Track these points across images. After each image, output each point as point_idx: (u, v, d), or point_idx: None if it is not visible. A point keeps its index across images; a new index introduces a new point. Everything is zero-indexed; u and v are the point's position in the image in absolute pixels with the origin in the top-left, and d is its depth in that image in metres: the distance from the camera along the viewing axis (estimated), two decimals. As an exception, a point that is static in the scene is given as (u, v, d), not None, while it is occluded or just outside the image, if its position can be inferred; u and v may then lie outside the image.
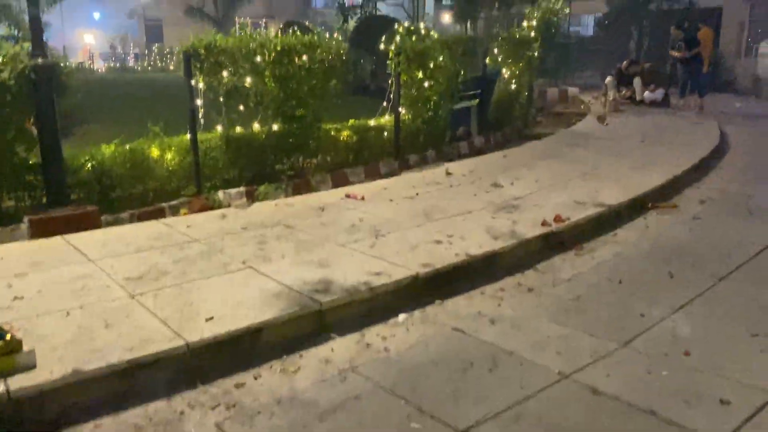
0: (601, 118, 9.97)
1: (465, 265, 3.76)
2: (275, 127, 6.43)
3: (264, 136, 6.35)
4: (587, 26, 27.34)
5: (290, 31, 7.10)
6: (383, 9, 14.56)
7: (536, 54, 11.29)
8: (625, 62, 12.91)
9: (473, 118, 9.39)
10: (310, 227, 4.50)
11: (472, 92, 9.16)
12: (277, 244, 4.11)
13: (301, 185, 6.20)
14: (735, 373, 2.68)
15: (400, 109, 7.81)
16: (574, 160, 7.00)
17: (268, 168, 6.34)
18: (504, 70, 10.34)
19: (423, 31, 9.30)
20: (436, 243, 4.08)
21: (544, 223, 4.47)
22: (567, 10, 13.60)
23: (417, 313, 3.37)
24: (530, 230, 4.35)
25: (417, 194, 5.49)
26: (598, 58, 23.13)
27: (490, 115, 9.98)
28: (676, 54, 12.64)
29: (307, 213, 4.92)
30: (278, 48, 6.22)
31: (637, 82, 12.57)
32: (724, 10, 21.32)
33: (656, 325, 3.17)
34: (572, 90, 15.50)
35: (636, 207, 5.28)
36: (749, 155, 7.83)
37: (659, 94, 12.37)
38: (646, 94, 12.42)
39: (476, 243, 4.06)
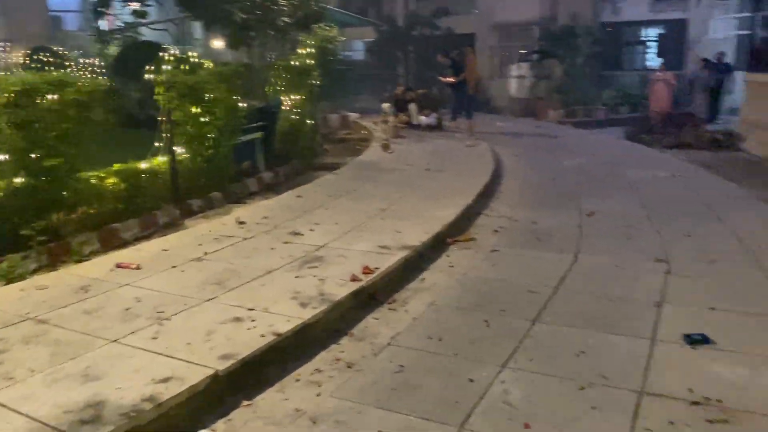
0: (385, 146, 10.05)
1: (274, 347, 3.21)
2: (18, 181, 5.28)
3: (1, 193, 5.16)
4: (358, 51, 28.30)
5: (38, 58, 5.94)
6: (147, 34, 13.34)
7: (316, 82, 11.12)
8: (400, 89, 13.35)
9: (258, 151, 8.84)
10: (70, 318, 3.58)
11: (254, 124, 8.62)
12: (24, 351, 3.16)
13: (58, 251, 5.12)
14: (579, 446, 2.51)
15: (175, 148, 7.00)
16: (369, 195, 6.80)
17: (11, 234, 5.14)
18: (285, 99, 9.95)
19: (194, 60, 8.54)
20: (235, 321, 3.47)
21: (353, 278, 4.09)
22: (341, 38, 13.67)
23: (221, 425, 2.73)
24: (340, 288, 3.93)
25: (205, 254, 4.79)
26: (371, 83, 24.04)
27: (277, 147, 9.52)
28: (444, 80, 13.39)
29: (66, 296, 3.95)
30: (16, 88, 5.10)
31: (412, 107, 13.05)
32: (477, 36, 23.47)
33: (488, 391, 2.93)
34: (353, 115, 15.69)
35: (438, 244, 5.18)
36: (522, 177, 8.35)
37: (433, 118, 12.96)
38: (422, 118, 12.94)
39: (283, 315, 3.52)
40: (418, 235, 5.08)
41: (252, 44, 11.51)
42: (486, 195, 7.04)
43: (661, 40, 20.72)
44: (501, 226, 5.83)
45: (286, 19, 11.13)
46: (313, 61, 11.52)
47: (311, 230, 5.37)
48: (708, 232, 5.51)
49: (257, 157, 8.85)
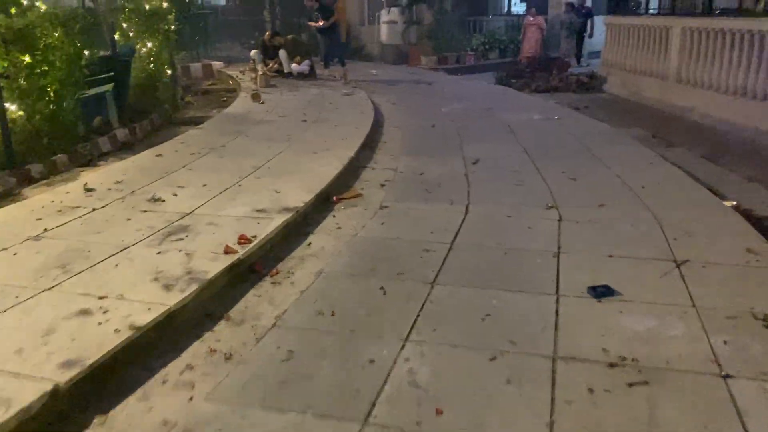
0: (256, 96, 9.30)
1: (132, 344, 2.64)
2: None
3: None
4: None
5: None
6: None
7: (172, 27, 10.02)
8: (267, 34, 12.46)
9: (111, 106, 7.79)
10: None
11: (104, 75, 7.56)
12: None
13: None
14: (501, 430, 2.22)
15: (7, 105, 5.93)
16: (241, 152, 6.15)
17: None
18: (139, 47, 8.87)
19: (24, 1, 7.28)
20: (82, 315, 2.83)
21: (227, 250, 3.55)
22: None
23: (66, 454, 2.17)
24: (212, 264, 3.38)
25: (45, 231, 4.00)
26: (235, 30, 22.60)
27: (132, 100, 8.49)
28: (314, 24, 12.68)
29: None
30: None
31: (282, 54, 12.25)
32: (345, -20, 22.61)
33: (391, 373, 2.57)
34: (217, 64, 14.55)
35: (322, 203, 4.72)
36: (402, 125, 8.01)
37: (306, 65, 12.27)
38: (293, 66, 12.20)
39: (143, 302, 2.93)
40: (300, 195, 4.58)
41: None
42: (368, 146, 6.64)
43: (523, -16, 21.07)
44: (387, 179, 5.46)
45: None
46: (167, 4, 10.38)
47: (175, 195, 4.69)
48: (592, 174, 5.48)
49: (109, 112, 7.81)
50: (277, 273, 3.58)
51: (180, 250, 3.58)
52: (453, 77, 14.44)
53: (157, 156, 6.01)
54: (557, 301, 3.16)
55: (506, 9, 21.95)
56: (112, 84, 7.79)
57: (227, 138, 6.70)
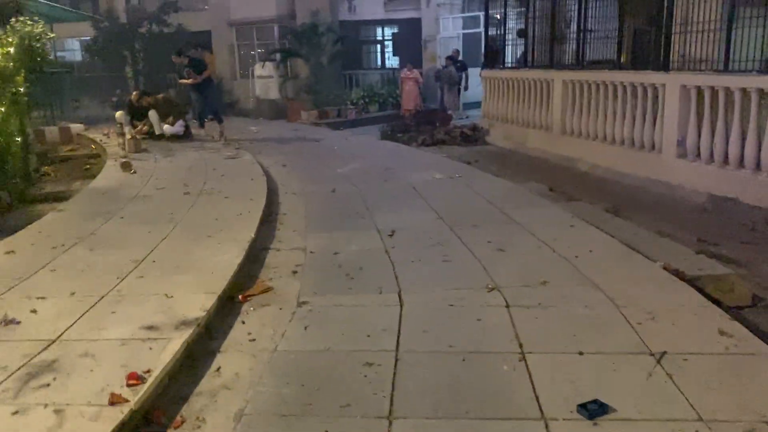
0: (126, 165, 8.22)
1: None
2: None
3: None
4: (74, 51, 24.59)
5: None
6: None
7: (22, 89, 8.75)
8: (134, 94, 11.37)
9: None
10: None
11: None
12: None
13: None
14: None
15: None
16: (116, 241, 5.14)
17: None
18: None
19: None
20: None
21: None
22: (51, 35, 11.18)
23: None
24: (92, 425, 2.47)
25: None
26: (94, 87, 20.98)
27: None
28: (186, 81, 11.76)
29: None
30: None
31: (152, 115, 11.19)
32: (213, 34, 21.84)
33: None
34: (76, 127, 13.15)
35: (227, 306, 3.89)
36: (299, 191, 7.32)
37: (179, 126, 11.28)
38: (166, 127, 11.17)
39: None
40: (198, 299, 3.73)
41: None
42: (268, 221, 5.87)
43: (396, 38, 21.38)
44: (298, 263, 4.72)
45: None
46: (13, 64, 9.09)
47: (34, 312, 3.65)
48: (518, 242, 5.08)
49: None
50: (182, 423, 2.71)
51: (46, 406, 2.61)
52: (338, 133, 14.03)
53: (6, 253, 4.85)
54: (546, 427, 2.58)
55: (380, 63, 22.13)
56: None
57: (97, 222, 5.64)
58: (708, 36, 7.58)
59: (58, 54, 25.96)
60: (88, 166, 9.82)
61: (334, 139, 12.56)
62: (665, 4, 7.90)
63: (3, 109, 7.98)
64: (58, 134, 12.71)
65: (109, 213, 5.95)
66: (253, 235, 5.03)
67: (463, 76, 16.85)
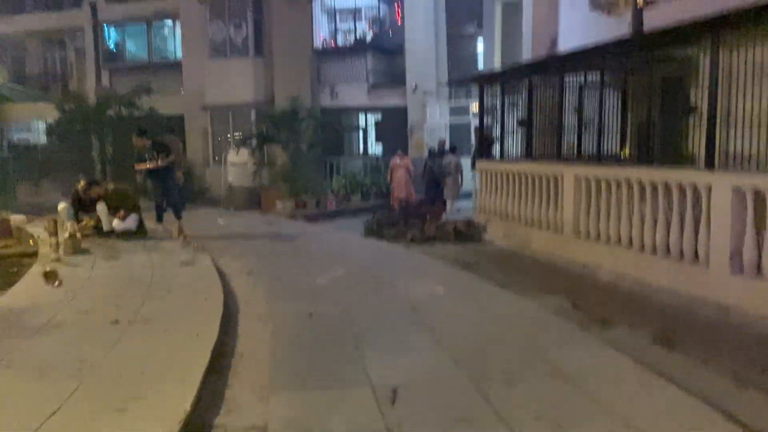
0: (50, 275, 6.54)
1: None
2: None
3: None
4: (38, 132, 23.21)
5: None
6: None
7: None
8: (82, 183, 9.80)
9: None
10: None
11: None
12: None
13: None
14: None
15: None
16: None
17: None
18: None
19: None
20: None
21: None
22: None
23: None
24: None
25: None
26: (59, 171, 19.55)
27: None
28: (146, 166, 10.27)
29: None
30: None
31: (101, 208, 9.60)
32: (186, 117, 20.71)
33: None
34: (17, 218, 11.48)
35: None
36: (265, 315, 5.68)
37: (132, 221, 9.68)
38: (116, 222, 9.57)
39: None
40: None
41: None
42: (217, 370, 4.20)
43: (379, 126, 20.42)
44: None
45: None
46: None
47: None
48: (581, 418, 3.49)
49: None
50: None
51: None
52: (317, 227, 12.55)
53: None
54: None
55: (362, 149, 21.07)
56: None
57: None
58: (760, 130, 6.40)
59: (20, 135, 24.63)
60: (15, 270, 8.12)
61: (312, 235, 11.06)
62: (710, 91, 6.72)
63: None
64: (-6, 226, 11.01)
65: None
66: (188, 408, 3.35)
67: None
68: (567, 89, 9.82)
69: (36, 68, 24.89)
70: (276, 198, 15.74)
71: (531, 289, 7.15)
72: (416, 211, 13.46)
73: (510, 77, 11.57)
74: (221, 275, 7.27)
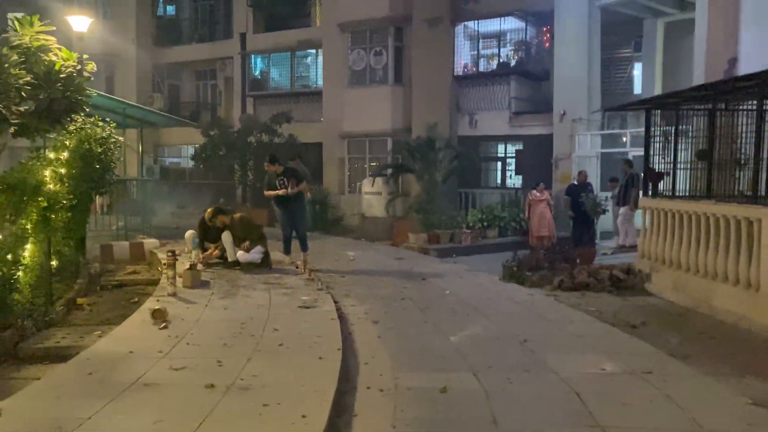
0: (158, 314, 5.97)
1: None
2: None
3: None
4: (187, 158, 24.35)
5: None
6: None
7: (64, 202, 7.00)
8: (208, 212, 9.44)
9: None
10: None
11: None
12: None
13: None
14: None
15: None
16: None
17: None
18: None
19: None
20: None
21: None
22: (119, 138, 9.72)
23: None
24: None
25: None
26: (202, 195, 20.22)
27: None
28: (274, 193, 9.78)
29: None
30: None
31: (226, 237, 9.16)
32: (324, 145, 20.61)
33: None
34: (150, 243, 11.45)
35: None
36: (388, 391, 4.60)
37: (257, 253, 9.13)
38: (240, 254, 9.07)
39: None
40: None
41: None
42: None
43: (520, 156, 18.98)
44: None
45: (17, 107, 7.00)
46: (65, 170, 7.46)
47: None
48: None
49: None
50: None
51: None
52: (450, 265, 11.38)
53: None
54: None
55: (500, 182, 19.73)
56: None
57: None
58: None
59: (172, 159, 26.01)
60: (136, 300, 7.78)
61: (445, 276, 9.93)
62: None
63: (21, 228, 6.12)
64: (128, 251, 11.04)
65: (60, 430, 3.52)
66: None
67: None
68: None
69: (189, 96, 26.33)
70: (408, 230, 14.84)
71: (722, 365, 5.55)
72: (563, 252, 11.91)
73: (684, 102, 9.84)
74: (343, 322, 6.38)
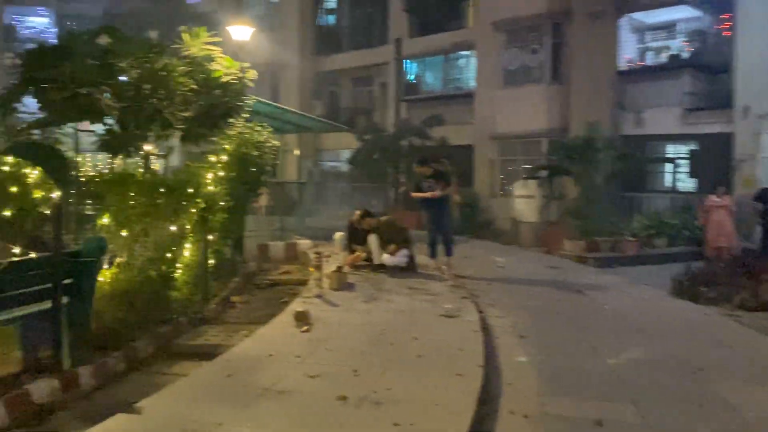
0: (301, 317, 5.98)
1: None
2: None
3: None
4: (344, 162, 25.13)
5: None
6: None
7: (216, 203, 7.32)
8: (356, 214, 9.47)
9: (62, 326, 4.81)
10: None
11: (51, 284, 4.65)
12: None
13: None
14: None
15: None
16: None
17: None
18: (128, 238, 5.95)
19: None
20: None
21: None
22: (275, 143, 10.05)
23: None
24: None
25: None
26: (356, 198, 20.74)
27: (110, 315, 5.51)
28: (424, 195, 9.62)
29: None
30: None
31: (372, 240, 9.11)
32: (475, 148, 20.20)
33: None
34: (304, 244, 11.79)
35: None
36: (534, 418, 4.13)
37: (403, 257, 8.98)
38: (385, 257, 8.97)
39: None
40: None
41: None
42: None
43: (694, 157, 17.13)
44: None
45: (181, 112, 7.46)
46: (220, 173, 7.82)
47: None
48: None
49: (62, 338, 4.82)
50: None
51: None
52: (610, 277, 10.45)
53: None
54: None
55: (670, 184, 17.99)
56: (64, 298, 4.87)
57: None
58: None
59: (332, 163, 26.97)
60: (286, 300, 7.94)
61: (604, 289, 9.10)
62: None
63: (179, 228, 6.46)
64: (284, 251, 11.45)
65: (200, 424, 3.52)
66: None
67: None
68: None
69: (347, 102, 27.18)
70: (564, 237, 13.95)
71: None
72: (746, 265, 10.47)
73: None
74: (487, 334, 5.98)
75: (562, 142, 16.29)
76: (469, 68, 22.16)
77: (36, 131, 8.57)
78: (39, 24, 31.05)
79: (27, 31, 30.35)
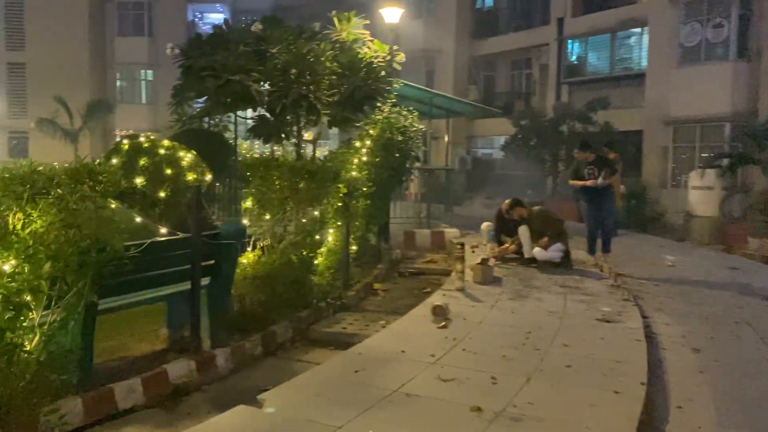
0: (438, 311, 5.59)
1: None
2: None
3: None
4: (499, 148, 24.34)
5: None
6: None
7: (358, 189, 7.17)
8: (506, 202, 8.87)
9: (201, 307, 4.89)
10: None
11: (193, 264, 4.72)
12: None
13: None
14: None
15: None
16: None
17: None
18: (269, 220, 5.91)
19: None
20: None
21: None
22: (420, 127, 9.71)
23: None
24: None
25: None
26: (509, 186, 19.93)
27: (251, 297, 5.55)
28: (584, 183, 8.82)
29: None
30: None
31: (523, 231, 8.48)
32: (645, 133, 18.51)
33: None
34: (451, 232, 11.42)
35: None
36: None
37: (556, 251, 8.24)
38: (536, 250, 8.29)
39: None
40: None
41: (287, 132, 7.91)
42: None
43: None
44: None
45: (327, 96, 7.39)
46: (364, 157, 7.67)
47: None
48: None
49: (202, 319, 4.91)
50: None
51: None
52: (808, 283, 8.89)
53: None
54: None
55: None
56: (205, 278, 4.94)
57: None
58: None
59: (484, 150, 26.26)
60: (428, 290, 7.63)
61: (800, 297, 7.71)
62: None
63: (321, 212, 6.37)
64: (430, 239, 11.16)
65: (318, 428, 3.28)
66: None
67: None
68: None
69: (503, 86, 26.29)
70: (748, 234, 12.23)
71: None
72: None
73: None
74: (651, 345, 5.20)
75: (748, 127, 14.29)
76: (640, 47, 20.37)
77: (205, 119, 9.01)
78: (217, 20, 33.55)
79: (206, 27, 32.90)
